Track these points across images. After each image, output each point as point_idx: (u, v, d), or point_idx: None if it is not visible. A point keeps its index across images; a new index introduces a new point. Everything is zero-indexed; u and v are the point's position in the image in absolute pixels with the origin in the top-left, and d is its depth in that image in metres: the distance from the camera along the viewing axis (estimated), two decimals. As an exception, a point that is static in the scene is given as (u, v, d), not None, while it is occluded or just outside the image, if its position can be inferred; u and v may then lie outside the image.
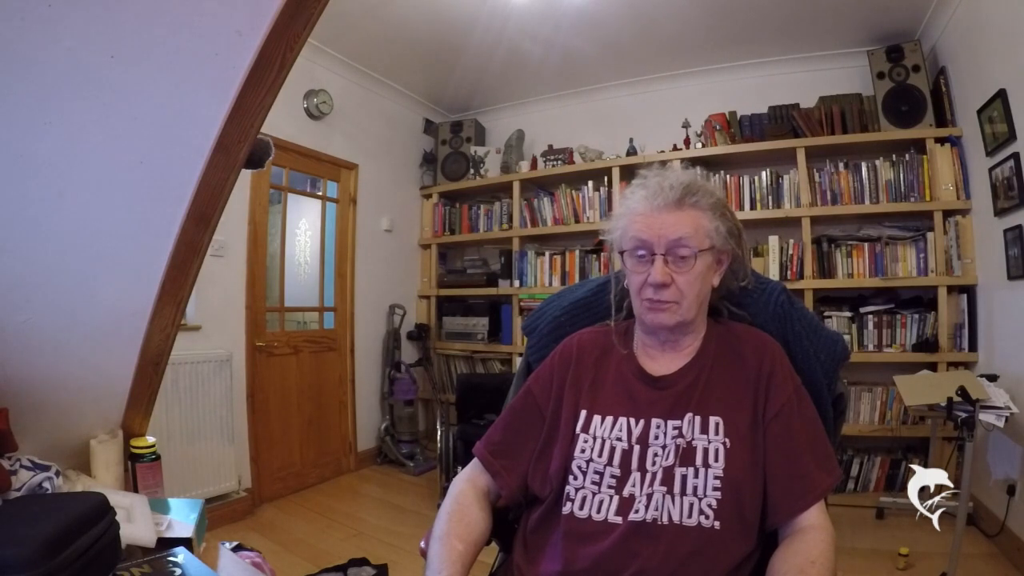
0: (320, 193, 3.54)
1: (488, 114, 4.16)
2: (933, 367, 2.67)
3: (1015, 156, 2.14)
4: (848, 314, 2.91)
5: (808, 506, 0.78)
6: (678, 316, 0.87)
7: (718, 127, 3.21)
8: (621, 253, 0.91)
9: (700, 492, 0.78)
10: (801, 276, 2.96)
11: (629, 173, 3.23)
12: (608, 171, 3.43)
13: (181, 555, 0.80)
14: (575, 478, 0.84)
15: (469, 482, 0.92)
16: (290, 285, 3.36)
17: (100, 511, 0.74)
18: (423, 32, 3.05)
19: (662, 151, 3.35)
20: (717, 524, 0.76)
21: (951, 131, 2.70)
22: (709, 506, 0.77)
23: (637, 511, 0.78)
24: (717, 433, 0.82)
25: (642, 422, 0.85)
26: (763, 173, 3.10)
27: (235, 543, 0.93)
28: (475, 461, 0.94)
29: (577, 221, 3.54)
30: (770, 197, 3.09)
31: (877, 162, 2.89)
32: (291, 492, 3.07)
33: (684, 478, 0.79)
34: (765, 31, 3.01)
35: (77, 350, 1.01)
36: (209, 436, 2.58)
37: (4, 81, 0.72)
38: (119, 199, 0.91)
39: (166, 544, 0.87)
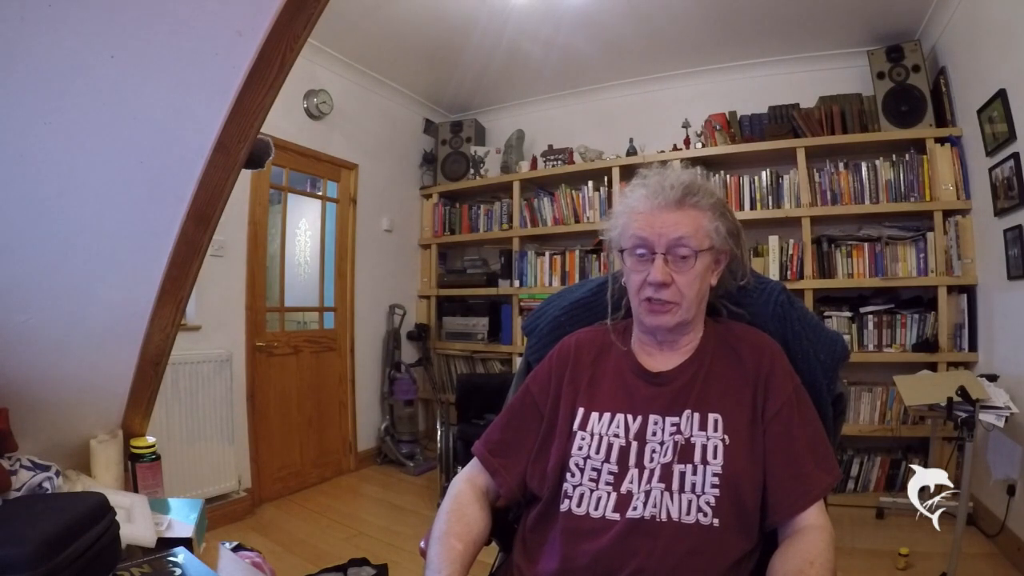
0: (320, 193, 3.54)
1: (488, 114, 4.16)
2: (933, 367, 2.67)
3: (1015, 156, 2.14)
4: (848, 314, 2.90)
5: (807, 506, 0.78)
6: (678, 317, 0.87)
7: (718, 127, 3.21)
8: (621, 252, 0.90)
9: (698, 489, 0.78)
10: (801, 276, 2.96)
11: (629, 173, 3.22)
12: (608, 171, 3.43)
13: (181, 555, 0.80)
14: (572, 475, 0.84)
15: (468, 482, 0.92)
16: (290, 285, 3.36)
17: (100, 511, 0.74)
18: (423, 32, 3.05)
19: (662, 151, 3.34)
20: (716, 521, 0.76)
21: (951, 131, 2.70)
22: (707, 503, 0.77)
23: (635, 508, 0.78)
24: (716, 430, 0.82)
25: (639, 418, 0.85)
26: (763, 173, 3.09)
27: (235, 543, 0.93)
28: (474, 460, 0.94)
29: (577, 221, 3.54)
30: (770, 197, 3.09)
31: (877, 162, 2.89)
32: (291, 492, 3.07)
33: (682, 475, 0.79)
34: (765, 31, 3.01)
35: (77, 350, 1.02)
36: (209, 436, 2.58)
37: (4, 81, 0.72)
38: (119, 199, 0.92)
39: (166, 544, 0.87)
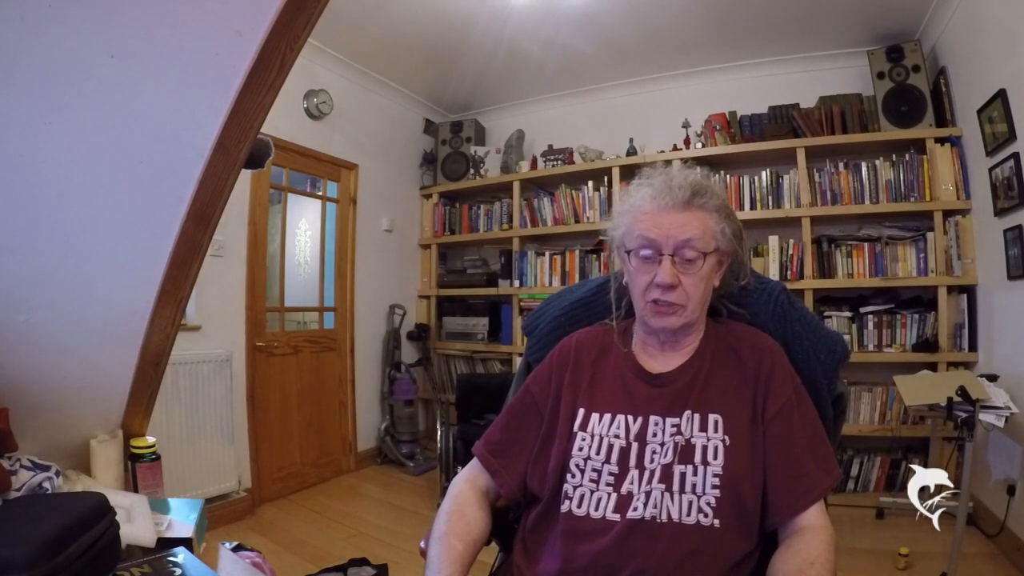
0: (320, 193, 3.54)
1: (488, 114, 4.16)
2: (933, 367, 2.67)
3: (1015, 156, 2.14)
4: (848, 314, 2.90)
5: (808, 506, 0.78)
6: (684, 319, 0.87)
7: (718, 127, 3.21)
8: (628, 252, 0.89)
9: (699, 490, 0.78)
10: (801, 276, 2.96)
11: (629, 173, 3.22)
12: (608, 171, 3.42)
13: (181, 555, 0.81)
14: (573, 476, 0.84)
15: (468, 482, 0.92)
16: (290, 285, 3.36)
17: (100, 511, 0.74)
18: (423, 32, 3.05)
19: (662, 151, 3.34)
20: (716, 522, 0.76)
21: (951, 131, 2.70)
22: (708, 504, 0.77)
23: (635, 509, 0.78)
24: (716, 431, 0.82)
25: (640, 419, 0.85)
26: (763, 173, 3.09)
27: (235, 543, 0.93)
28: (474, 461, 0.94)
29: (577, 221, 3.54)
30: (770, 197, 3.09)
31: (877, 162, 2.89)
32: (291, 492, 3.07)
33: (683, 476, 0.79)
34: (765, 31, 3.01)
35: (77, 350, 1.02)
36: (209, 436, 2.58)
37: (5, 81, 0.72)
38: (119, 199, 0.92)
39: (166, 544, 0.87)
